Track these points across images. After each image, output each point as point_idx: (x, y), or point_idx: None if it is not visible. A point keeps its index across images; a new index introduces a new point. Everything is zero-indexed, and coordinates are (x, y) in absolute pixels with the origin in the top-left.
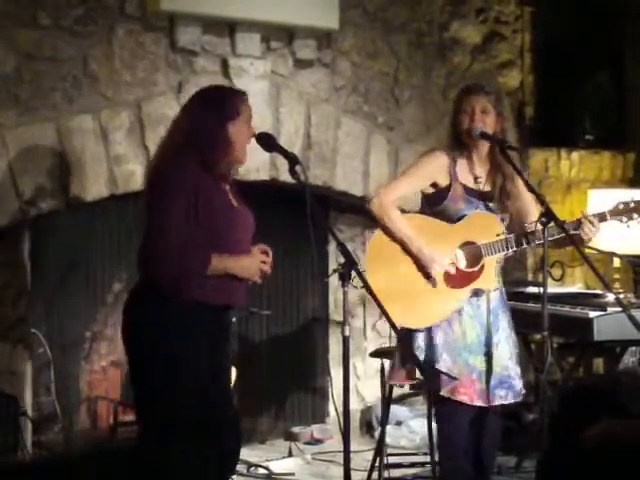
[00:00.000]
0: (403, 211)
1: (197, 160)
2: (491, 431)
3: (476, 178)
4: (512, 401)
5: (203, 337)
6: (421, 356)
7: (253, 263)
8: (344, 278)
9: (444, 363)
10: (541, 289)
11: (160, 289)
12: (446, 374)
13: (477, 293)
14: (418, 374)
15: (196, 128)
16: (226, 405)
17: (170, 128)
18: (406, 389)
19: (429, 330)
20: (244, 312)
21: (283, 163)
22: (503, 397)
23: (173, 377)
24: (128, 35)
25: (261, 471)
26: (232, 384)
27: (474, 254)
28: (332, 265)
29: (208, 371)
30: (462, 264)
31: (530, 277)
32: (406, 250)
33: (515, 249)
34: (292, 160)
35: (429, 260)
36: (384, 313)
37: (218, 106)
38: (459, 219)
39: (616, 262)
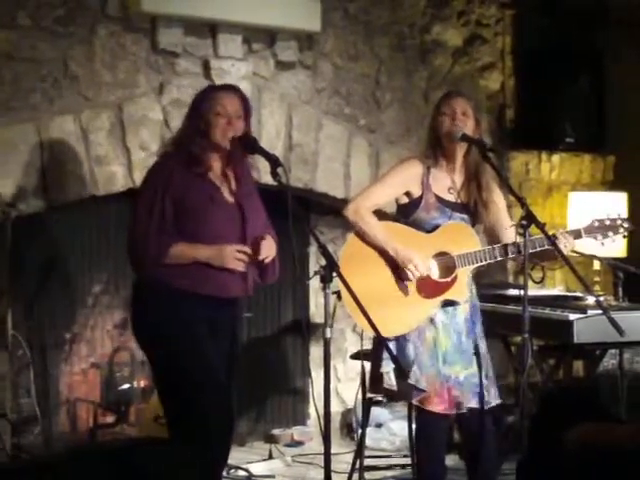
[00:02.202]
0: (381, 216)
1: (181, 159)
2: (488, 432)
3: (449, 188)
4: (496, 403)
5: (191, 331)
6: (387, 368)
7: (222, 253)
8: (325, 280)
9: (413, 375)
10: (522, 291)
11: (139, 278)
12: (414, 386)
13: (448, 304)
14: (389, 383)
15: (179, 130)
16: (217, 406)
17: None
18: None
19: (398, 341)
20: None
21: (265, 165)
22: (493, 399)
23: (163, 371)
24: (109, 36)
25: (241, 473)
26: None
27: (447, 265)
28: (313, 267)
29: (199, 367)
30: (435, 274)
31: (511, 279)
32: (382, 254)
33: (489, 262)
34: (274, 162)
35: (406, 260)
36: (365, 315)
37: (192, 106)
38: (433, 229)
39: (596, 265)
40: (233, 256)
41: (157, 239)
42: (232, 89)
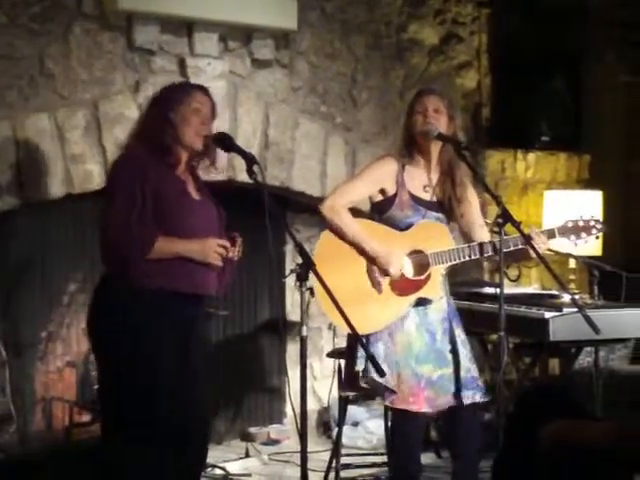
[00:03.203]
0: (355, 213)
1: (149, 149)
2: (466, 431)
3: (425, 186)
4: (480, 400)
5: (166, 331)
6: (362, 366)
7: (205, 246)
8: (301, 278)
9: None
10: (498, 289)
11: (115, 276)
12: (384, 386)
13: (422, 302)
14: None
15: (145, 120)
16: (191, 406)
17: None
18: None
19: (369, 341)
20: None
21: (241, 163)
22: (470, 397)
23: (130, 374)
24: (85, 34)
25: (218, 472)
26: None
27: (421, 263)
28: (289, 265)
29: (170, 368)
30: (409, 272)
31: (487, 278)
32: (359, 251)
33: (463, 260)
34: (250, 160)
35: (386, 257)
36: (341, 313)
37: (162, 97)
38: (407, 227)
39: (572, 263)
40: (215, 250)
41: (141, 233)
42: (206, 90)
